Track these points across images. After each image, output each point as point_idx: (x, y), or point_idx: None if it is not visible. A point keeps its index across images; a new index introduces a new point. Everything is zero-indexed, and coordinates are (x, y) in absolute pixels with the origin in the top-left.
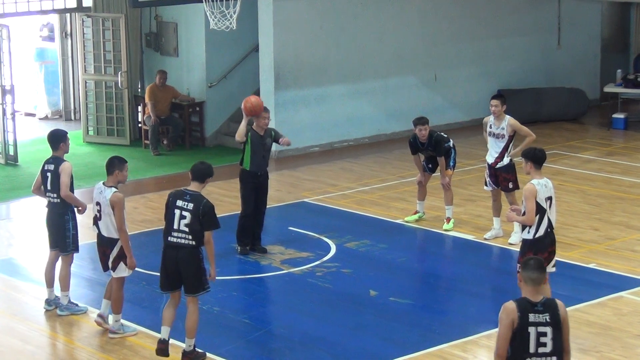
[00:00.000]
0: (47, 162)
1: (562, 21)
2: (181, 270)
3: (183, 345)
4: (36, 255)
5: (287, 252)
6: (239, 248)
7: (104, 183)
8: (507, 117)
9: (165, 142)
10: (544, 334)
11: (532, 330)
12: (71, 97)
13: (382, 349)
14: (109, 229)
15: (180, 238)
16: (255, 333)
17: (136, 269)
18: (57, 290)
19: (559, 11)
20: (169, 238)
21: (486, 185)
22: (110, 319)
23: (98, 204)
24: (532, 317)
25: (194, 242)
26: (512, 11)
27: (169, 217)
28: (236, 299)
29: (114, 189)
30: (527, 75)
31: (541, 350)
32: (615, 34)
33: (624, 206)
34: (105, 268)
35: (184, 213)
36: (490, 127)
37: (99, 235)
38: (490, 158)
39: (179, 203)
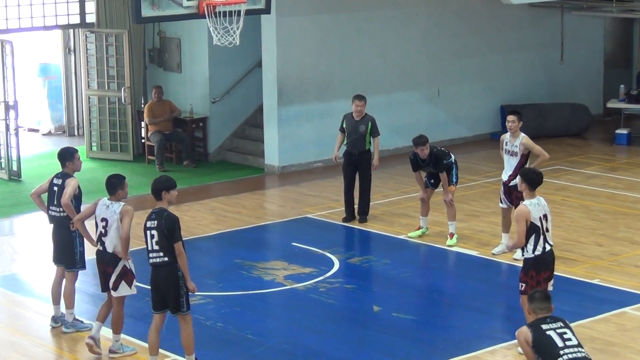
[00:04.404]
0: (56, 176)
1: (565, 37)
2: (162, 289)
3: None
4: (39, 271)
5: (291, 268)
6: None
7: (108, 199)
8: (522, 135)
9: (186, 162)
10: (565, 333)
11: (551, 332)
12: (74, 113)
13: None
14: (115, 245)
15: (155, 257)
16: (259, 348)
17: (139, 284)
18: (63, 308)
19: (562, 27)
20: (149, 260)
21: (501, 202)
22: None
23: (104, 219)
24: (545, 327)
25: (166, 258)
26: (514, 27)
27: (145, 240)
28: (239, 314)
29: (122, 203)
30: (530, 90)
31: (569, 343)
32: (618, 50)
33: (627, 222)
34: (105, 288)
35: (152, 232)
36: (506, 145)
37: (102, 252)
38: (504, 175)
39: (148, 224)
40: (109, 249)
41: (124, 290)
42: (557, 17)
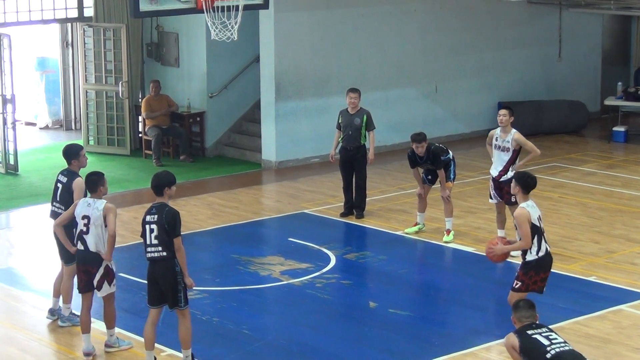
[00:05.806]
0: (62, 173)
1: (563, 33)
2: (160, 284)
3: (181, 355)
4: (36, 265)
5: (287, 263)
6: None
7: (90, 197)
8: (514, 130)
9: (183, 157)
10: (550, 335)
11: (537, 336)
12: (72, 107)
13: None
14: (97, 243)
15: (153, 252)
16: (255, 344)
17: (135, 279)
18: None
19: (560, 23)
20: (146, 254)
21: (491, 198)
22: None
23: (85, 217)
24: (530, 332)
25: (164, 253)
26: (512, 23)
27: (143, 235)
28: (236, 309)
29: (104, 200)
30: (527, 87)
31: (555, 341)
32: (616, 47)
33: (624, 219)
34: (85, 289)
35: (152, 226)
36: (496, 140)
37: (84, 252)
38: (494, 171)
39: (147, 218)
40: (92, 248)
41: (106, 289)
42: (555, 14)
